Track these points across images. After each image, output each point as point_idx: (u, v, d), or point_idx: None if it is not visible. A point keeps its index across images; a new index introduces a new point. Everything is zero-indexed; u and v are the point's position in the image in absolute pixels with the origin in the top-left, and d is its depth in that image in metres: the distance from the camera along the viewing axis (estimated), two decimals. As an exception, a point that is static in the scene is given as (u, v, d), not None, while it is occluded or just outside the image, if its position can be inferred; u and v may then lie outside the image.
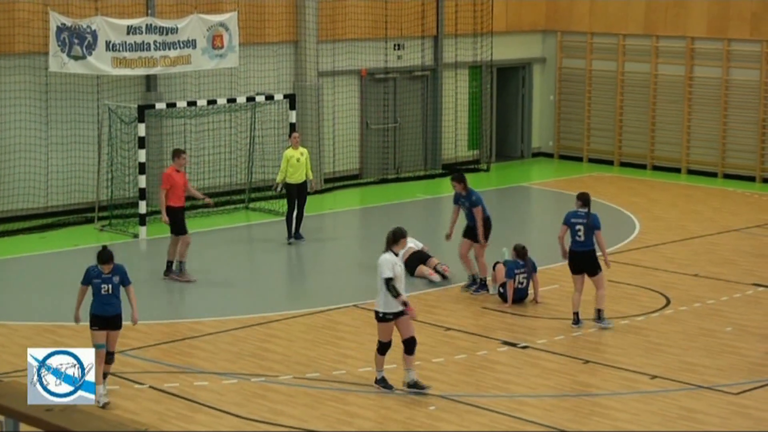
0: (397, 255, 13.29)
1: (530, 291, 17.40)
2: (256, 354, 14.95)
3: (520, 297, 17.26)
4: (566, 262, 16.40)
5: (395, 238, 13.30)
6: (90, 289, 13.21)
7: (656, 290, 18.01)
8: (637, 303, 17.38)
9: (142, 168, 21.80)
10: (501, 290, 17.29)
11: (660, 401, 13.38)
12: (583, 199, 16.38)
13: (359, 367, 14.39)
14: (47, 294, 18.14)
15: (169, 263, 18.64)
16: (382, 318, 13.26)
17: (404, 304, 13.14)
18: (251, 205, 24.45)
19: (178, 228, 18.58)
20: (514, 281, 17.14)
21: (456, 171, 17.45)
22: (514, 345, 15.36)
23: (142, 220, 21.67)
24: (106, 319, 13.13)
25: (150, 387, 13.58)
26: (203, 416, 12.75)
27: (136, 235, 21.65)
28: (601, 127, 29.94)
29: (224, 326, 16.13)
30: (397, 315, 13.21)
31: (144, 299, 18.14)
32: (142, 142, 21.74)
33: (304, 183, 20.96)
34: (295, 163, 20.69)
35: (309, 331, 15.91)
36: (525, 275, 17.20)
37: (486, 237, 17.57)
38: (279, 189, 21.08)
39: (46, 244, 21.17)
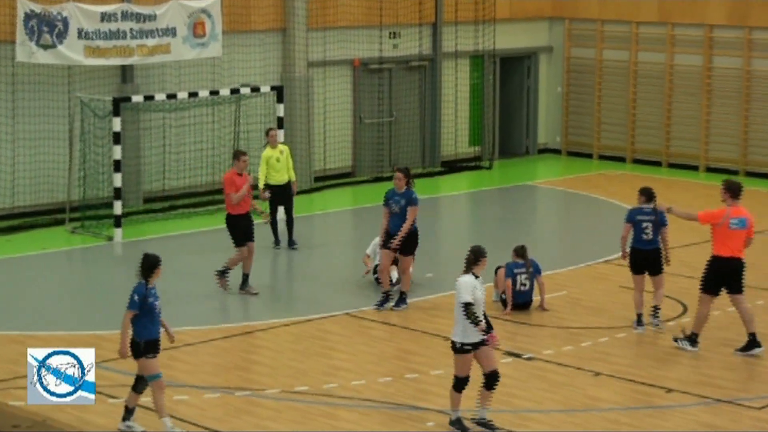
0: (477, 277, 12.80)
1: (536, 297, 17.38)
2: (241, 366, 14.93)
3: (524, 302, 17.23)
4: (617, 264, 16.52)
5: (476, 258, 12.82)
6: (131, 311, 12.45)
7: (672, 297, 18.00)
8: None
9: (117, 165, 21.76)
10: (503, 296, 17.27)
11: (677, 417, 13.37)
12: (648, 194, 16.55)
13: (351, 380, 14.37)
14: (14, 301, 18.10)
15: (245, 276, 18.15)
16: (459, 349, 12.64)
17: (485, 332, 12.60)
18: (235, 205, 24.40)
19: (238, 238, 18.07)
20: (515, 283, 17.11)
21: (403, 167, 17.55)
22: (518, 356, 15.35)
23: (117, 221, 21.64)
24: (157, 342, 12.54)
25: (125, 401, 13.52)
26: (183, 433, 12.71)
27: (110, 238, 21.62)
28: (612, 121, 29.94)
29: (206, 336, 16.11)
30: (477, 345, 12.60)
31: (120, 307, 18.11)
32: (117, 138, 21.71)
33: (288, 184, 20.88)
34: (275, 163, 20.59)
35: (297, 342, 15.89)
36: (526, 276, 17.18)
37: (411, 249, 17.24)
38: (268, 195, 20.71)
39: (12, 248, 21.13)
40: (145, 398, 13.67)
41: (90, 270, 20.65)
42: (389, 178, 27.17)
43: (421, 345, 15.79)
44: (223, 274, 18.19)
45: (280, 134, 23.64)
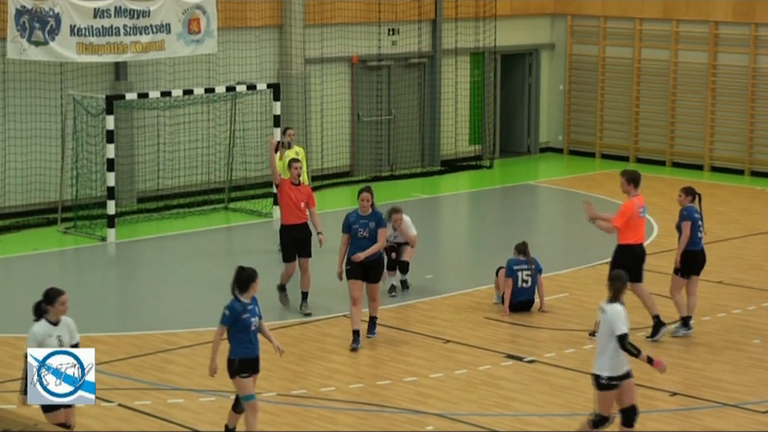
0: (623, 304, 11.88)
1: (536, 299, 17.39)
2: (236, 369, 14.92)
3: (526, 300, 17.22)
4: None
5: (624, 282, 11.98)
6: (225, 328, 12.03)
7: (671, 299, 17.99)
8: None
9: (110, 164, 21.77)
10: (503, 297, 17.27)
11: (681, 421, 13.38)
12: (693, 193, 16.46)
13: (349, 383, 14.38)
14: (5, 303, 18.11)
15: (304, 294, 17.41)
16: (605, 385, 11.77)
17: (649, 359, 11.81)
18: (231, 205, 24.44)
19: (283, 251, 17.47)
20: (516, 280, 17.13)
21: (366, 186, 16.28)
22: (519, 359, 15.36)
23: (111, 221, 21.65)
24: (254, 361, 12.16)
25: (119, 405, 13.56)
26: (178, 437, 12.73)
27: (103, 239, 21.63)
28: (615, 119, 29.96)
29: (201, 338, 16.11)
30: (623, 378, 11.85)
31: (113, 309, 18.16)
32: (110, 136, 21.72)
33: None
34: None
35: (295, 344, 15.89)
36: (528, 273, 17.18)
37: (380, 276, 15.90)
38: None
39: (3, 248, 21.13)
40: (143, 401, 13.68)
41: (83, 271, 20.66)
42: (388, 178, 27.37)
43: (420, 348, 15.80)
44: (281, 288, 17.57)
45: (276, 133, 23.68)
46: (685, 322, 16.33)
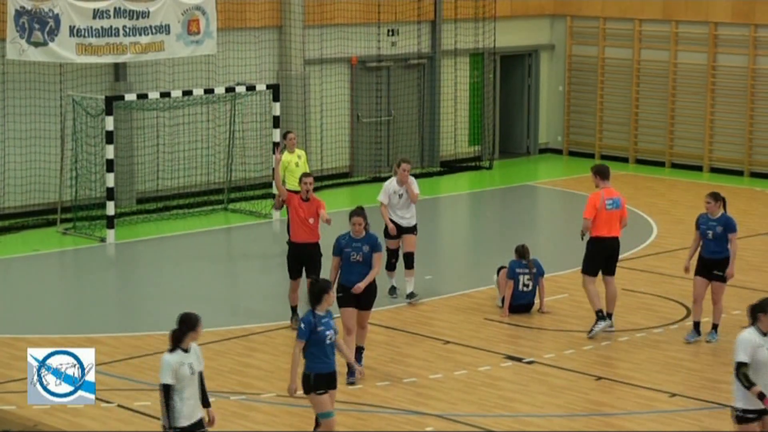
0: (766, 334, 10.98)
1: (536, 300, 17.40)
2: (236, 370, 14.94)
3: (526, 303, 17.23)
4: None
5: (763, 308, 11.03)
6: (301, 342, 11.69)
7: (675, 300, 18.02)
8: (654, 314, 17.39)
9: (110, 165, 21.77)
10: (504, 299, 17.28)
11: (680, 422, 13.38)
12: (722, 198, 16.36)
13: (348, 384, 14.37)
14: (4, 304, 18.11)
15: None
16: (741, 418, 11.02)
17: (761, 396, 10.85)
18: (231, 206, 24.44)
19: (290, 269, 16.45)
20: (517, 284, 17.14)
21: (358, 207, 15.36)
22: (519, 360, 15.36)
23: (110, 222, 21.65)
24: (330, 377, 11.79)
25: (118, 406, 13.56)
26: (177, 438, 12.71)
27: (103, 239, 21.63)
28: (614, 120, 29.96)
29: (201, 339, 16.02)
30: (762, 413, 10.93)
31: (112, 310, 18.17)
32: (110, 137, 21.71)
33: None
34: (294, 168, 19.78)
35: (293, 345, 15.86)
36: (529, 277, 17.19)
37: (372, 302, 14.71)
38: (281, 205, 20.06)
39: (3, 249, 21.13)
40: (143, 402, 13.68)
41: (82, 272, 20.66)
42: (387, 178, 27.26)
43: (420, 348, 15.80)
44: (293, 311, 16.56)
45: (276, 134, 23.69)
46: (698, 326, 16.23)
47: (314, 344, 11.60)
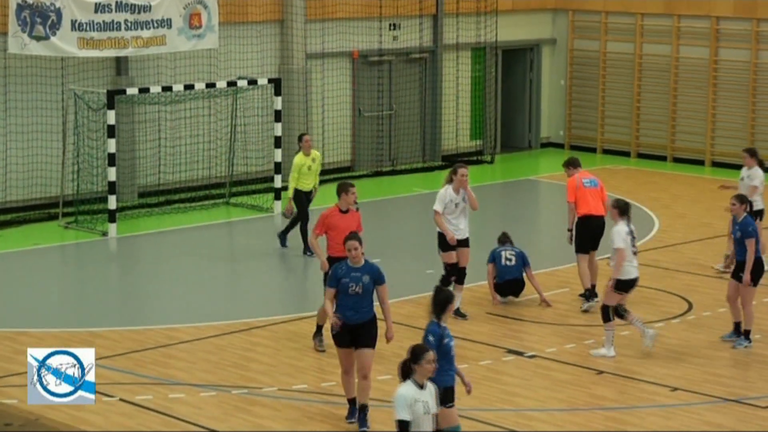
0: None
1: (535, 295, 17.39)
2: (238, 364, 14.94)
3: (513, 280, 17.28)
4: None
5: None
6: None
7: (677, 294, 18.03)
8: (656, 308, 17.39)
9: (111, 159, 21.77)
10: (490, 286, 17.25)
11: (681, 416, 13.39)
12: (747, 201, 16.14)
13: (351, 378, 14.36)
14: (6, 298, 18.12)
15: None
16: None
17: None
18: (232, 200, 24.44)
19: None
20: (500, 259, 17.26)
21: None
22: (520, 354, 15.36)
23: (112, 216, 21.64)
24: (453, 390, 11.43)
25: (120, 400, 13.56)
26: (179, 432, 12.74)
27: (105, 233, 21.62)
28: (616, 115, 29.94)
29: (202, 333, 16.12)
30: None
31: (114, 304, 18.17)
32: (111, 131, 21.71)
33: (311, 191, 20.05)
34: (306, 172, 19.71)
35: (295, 339, 15.90)
36: (512, 252, 17.24)
37: (375, 340, 13.05)
38: (293, 213, 19.90)
39: (5, 243, 21.13)
40: (145, 396, 13.69)
41: (84, 266, 20.66)
42: (389, 173, 27.35)
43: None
44: (318, 331, 15.49)
45: (278, 128, 23.69)
46: (737, 327, 15.91)
47: (441, 357, 10.98)
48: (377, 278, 12.67)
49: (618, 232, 15.23)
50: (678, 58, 28.76)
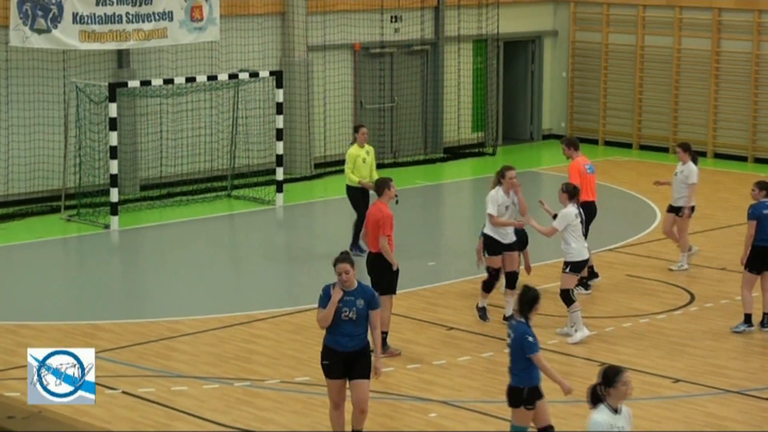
0: None
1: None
2: (240, 356, 14.95)
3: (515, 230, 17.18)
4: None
5: None
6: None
7: (679, 286, 18.02)
8: (658, 300, 17.38)
9: (113, 152, 21.77)
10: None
11: (684, 407, 13.39)
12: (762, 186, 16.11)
13: (353, 370, 14.36)
14: (8, 291, 18.12)
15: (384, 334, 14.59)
16: None
17: None
18: (234, 192, 24.43)
19: (387, 285, 14.83)
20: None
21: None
22: (523, 346, 15.34)
23: (114, 209, 21.64)
24: (539, 390, 11.25)
25: (123, 392, 13.57)
26: (182, 424, 12.74)
27: (107, 226, 21.62)
28: (618, 106, 29.92)
29: (205, 326, 16.13)
30: None
31: (116, 296, 18.18)
32: (113, 124, 21.71)
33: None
34: (361, 164, 19.36)
35: (298, 331, 15.90)
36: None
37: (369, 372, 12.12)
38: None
39: (7, 236, 21.13)
40: (147, 389, 13.69)
41: (86, 259, 20.67)
42: (390, 165, 27.33)
43: (423, 335, 15.80)
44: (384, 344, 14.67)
45: (279, 120, 23.67)
46: (747, 319, 15.87)
47: (523, 356, 11.05)
48: (371, 303, 11.70)
49: (566, 215, 15.38)
50: (680, 49, 28.73)
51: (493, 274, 16.11)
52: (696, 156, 18.97)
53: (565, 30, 30.53)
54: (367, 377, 11.73)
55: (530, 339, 11.11)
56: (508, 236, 16.01)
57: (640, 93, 29.46)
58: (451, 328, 16.04)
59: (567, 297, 15.46)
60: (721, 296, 17.43)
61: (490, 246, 16.02)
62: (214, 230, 22.18)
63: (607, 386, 9.41)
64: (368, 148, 19.64)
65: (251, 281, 19.02)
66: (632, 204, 23.44)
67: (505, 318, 15.81)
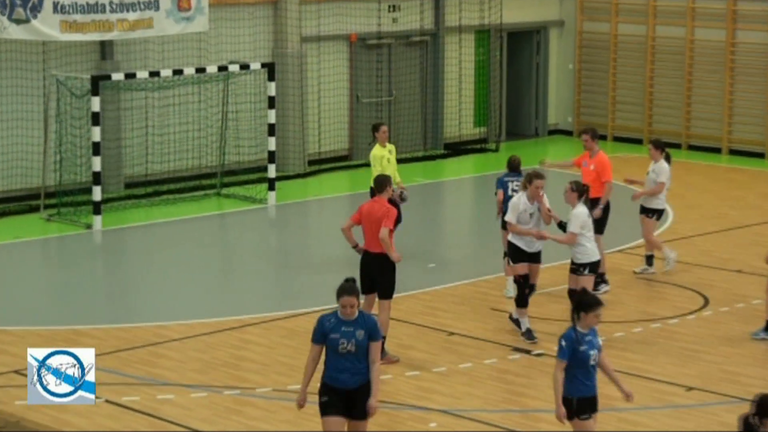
0: None
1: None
2: (230, 363, 14.94)
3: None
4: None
5: None
6: None
7: (692, 289, 18.02)
8: (670, 303, 17.38)
9: (96, 148, 21.76)
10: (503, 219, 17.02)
11: (697, 416, 13.38)
12: None
13: (349, 377, 14.35)
14: (-14, 294, 18.13)
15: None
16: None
17: None
18: (224, 191, 24.43)
19: (389, 287, 14.96)
20: (506, 190, 17.31)
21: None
22: (527, 352, 15.35)
23: (97, 208, 21.64)
24: (594, 400, 11.14)
25: (106, 401, 13.55)
26: (168, 435, 12.74)
27: (89, 226, 21.62)
28: (628, 100, 29.93)
29: (193, 331, 16.12)
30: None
31: (99, 300, 18.17)
32: (96, 119, 21.70)
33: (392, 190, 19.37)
34: (386, 164, 19.10)
35: (290, 336, 15.90)
36: (518, 183, 17.16)
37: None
38: (403, 197, 18.66)
39: (-15, 237, 21.15)
40: (132, 397, 13.69)
41: (67, 261, 20.65)
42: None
43: (422, 340, 15.79)
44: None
45: (271, 115, 23.67)
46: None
47: (577, 365, 10.88)
48: (372, 334, 10.97)
49: (580, 215, 15.45)
50: (693, 40, 28.73)
51: (521, 283, 15.78)
52: (670, 155, 18.94)
53: (571, 19, 30.53)
54: (366, 417, 11.11)
55: (562, 343, 10.96)
56: (534, 245, 15.68)
57: (651, 86, 29.47)
58: (452, 334, 16.04)
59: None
60: (737, 300, 17.42)
61: (514, 254, 15.80)
62: (203, 230, 22.18)
63: (764, 417, 8.95)
64: (390, 146, 19.44)
65: (242, 284, 19.01)
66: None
67: (522, 333, 15.65)
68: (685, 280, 18.45)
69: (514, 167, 17.58)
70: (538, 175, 15.71)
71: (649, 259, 18.61)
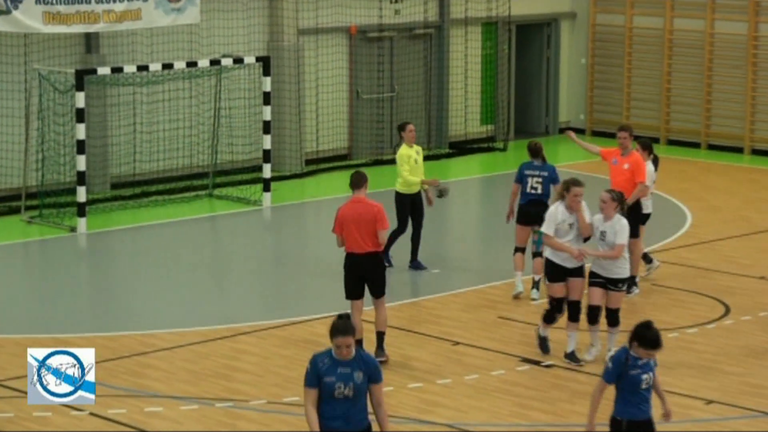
0: None
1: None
2: (222, 374, 14.93)
3: (537, 200, 17.29)
4: None
5: None
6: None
7: (712, 296, 18.00)
8: (689, 312, 17.37)
9: (80, 146, 21.76)
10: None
11: (717, 431, 13.36)
12: None
13: (347, 389, 14.34)
14: (-36, 301, 18.12)
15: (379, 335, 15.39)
16: None
17: None
18: (216, 191, 24.44)
19: (383, 285, 15.35)
20: (525, 185, 17.38)
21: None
22: (536, 363, 15.33)
23: (81, 210, 21.65)
24: (646, 424, 11.15)
25: (91, 414, 13.55)
26: (156, 450, 12.74)
27: (73, 229, 21.62)
28: (644, 97, 29.94)
29: (183, 340, 16.11)
30: None
31: (84, 307, 18.17)
32: (80, 115, 21.70)
33: (419, 193, 19.32)
34: (414, 165, 19.15)
35: (286, 346, 15.89)
36: (539, 180, 17.07)
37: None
38: (443, 192, 19.23)
39: (-37, 240, 21.16)
40: (118, 410, 13.68)
41: (50, 265, 20.65)
42: (390, 161, 27.25)
43: (426, 350, 15.78)
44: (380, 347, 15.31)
45: (266, 111, 23.66)
46: None
47: (627, 388, 10.85)
48: (373, 376, 10.38)
49: (626, 227, 15.22)
50: (713, 33, 28.74)
51: (554, 305, 15.38)
52: (657, 157, 18.98)
53: (584, 11, 30.55)
54: None
55: (608, 365, 10.96)
56: (572, 259, 15.21)
57: (669, 82, 29.49)
58: (457, 343, 16.03)
59: (617, 318, 15.29)
60: (760, 308, 17.41)
61: (551, 272, 15.35)
62: (194, 234, 22.18)
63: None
64: (417, 147, 19.39)
65: (235, 291, 19.00)
66: (659, 205, 23.33)
67: (566, 356, 15.36)
68: (705, 287, 18.44)
69: (535, 152, 17.52)
70: (576, 182, 15.34)
71: (646, 257, 18.62)
